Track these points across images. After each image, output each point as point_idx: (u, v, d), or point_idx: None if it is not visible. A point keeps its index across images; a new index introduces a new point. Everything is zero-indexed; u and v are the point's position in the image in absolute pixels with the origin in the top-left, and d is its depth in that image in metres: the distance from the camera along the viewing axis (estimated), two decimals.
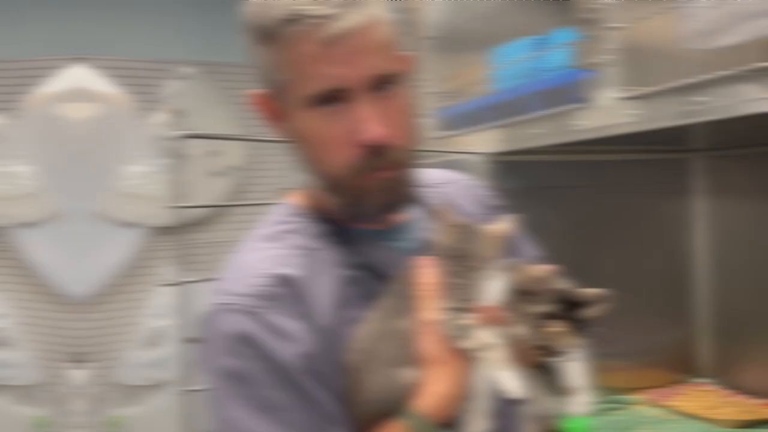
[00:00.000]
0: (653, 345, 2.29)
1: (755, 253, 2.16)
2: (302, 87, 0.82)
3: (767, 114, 1.12)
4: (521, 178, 2.06)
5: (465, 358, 0.81)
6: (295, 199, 0.99)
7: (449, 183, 1.10)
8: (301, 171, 0.92)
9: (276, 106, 0.89)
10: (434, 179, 1.07)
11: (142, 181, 2.71)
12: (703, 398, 2.13)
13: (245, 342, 0.80)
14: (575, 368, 0.88)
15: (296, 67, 0.81)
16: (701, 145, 2.31)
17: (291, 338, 0.81)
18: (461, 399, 0.81)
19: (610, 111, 1.46)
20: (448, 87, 2.19)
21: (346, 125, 0.81)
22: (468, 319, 0.81)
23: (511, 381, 0.80)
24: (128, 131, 2.72)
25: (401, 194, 0.89)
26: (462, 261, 0.84)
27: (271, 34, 0.81)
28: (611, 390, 2.20)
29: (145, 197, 2.71)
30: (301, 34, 0.78)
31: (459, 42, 2.08)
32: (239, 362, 0.80)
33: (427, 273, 0.84)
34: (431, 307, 0.82)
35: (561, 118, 1.61)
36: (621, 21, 1.42)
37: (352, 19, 0.78)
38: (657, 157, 2.33)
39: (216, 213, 2.81)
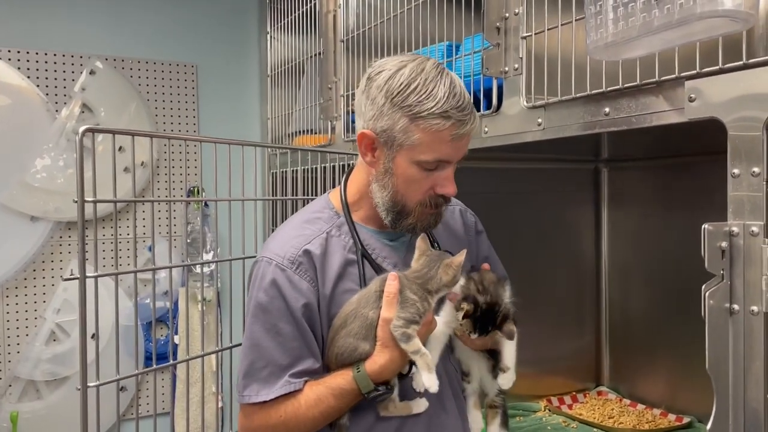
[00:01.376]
0: (556, 353, 2.33)
1: (652, 263, 2.24)
2: (421, 152, 1.20)
3: (670, 126, 1.13)
4: None
5: (402, 351, 1.20)
6: (331, 196, 1.38)
7: (449, 207, 1.41)
8: (378, 190, 1.27)
9: (378, 147, 1.24)
10: None
11: (49, 174, 2.62)
12: (604, 407, 2.17)
13: (274, 286, 1.23)
14: (507, 354, 1.31)
15: (427, 141, 1.19)
16: (606, 156, 2.37)
17: (300, 292, 1.23)
18: (393, 373, 1.22)
19: (517, 119, 1.45)
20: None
21: (434, 180, 1.24)
22: (412, 329, 1.18)
23: (428, 379, 1.18)
24: (37, 124, 2.63)
25: (434, 224, 1.31)
26: (423, 284, 1.21)
27: (419, 117, 1.18)
28: (513, 396, 2.22)
29: (51, 191, 2.63)
30: (446, 128, 1.18)
31: (372, 46, 2.04)
32: (267, 298, 1.23)
33: (392, 285, 1.20)
34: (390, 311, 1.19)
35: None
36: (530, 31, 1.42)
37: (471, 125, 1.21)
38: (566, 167, 2.38)
39: (122, 209, 2.79)
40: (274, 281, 1.23)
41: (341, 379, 1.22)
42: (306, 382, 1.23)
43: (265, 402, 1.22)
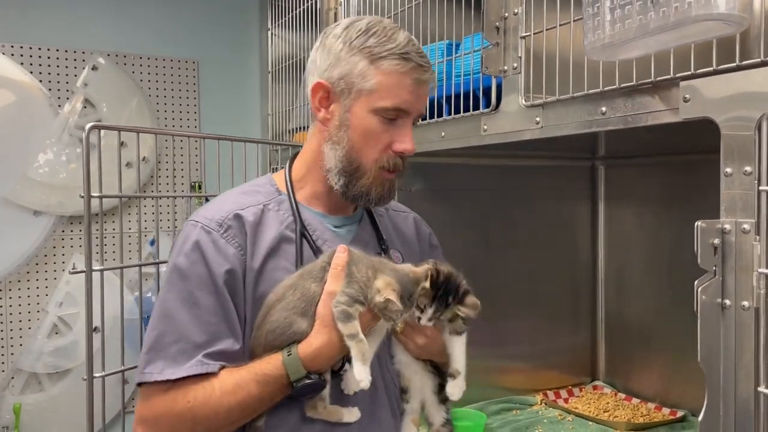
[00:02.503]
0: (553, 348, 2.36)
1: (647, 260, 2.27)
2: (381, 98, 1.14)
3: (665, 125, 1.15)
4: (429, 180, 2.07)
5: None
6: (274, 176, 1.28)
7: (400, 212, 1.43)
8: (330, 149, 1.19)
9: (333, 100, 1.17)
10: (388, 205, 1.36)
11: (51, 169, 2.64)
12: (599, 401, 2.20)
13: (196, 249, 1.10)
14: (458, 356, 1.16)
15: (386, 85, 1.13)
16: (603, 153, 2.40)
17: (225, 257, 1.10)
18: (329, 361, 1.07)
19: (516, 117, 1.47)
20: None
21: (392, 135, 1.17)
22: (354, 309, 1.04)
23: (360, 372, 1.02)
24: (40, 119, 2.66)
25: (389, 196, 1.21)
26: (374, 265, 1.09)
27: (379, 57, 1.13)
28: (510, 390, 2.25)
29: (54, 186, 2.65)
30: (405, 70, 1.14)
31: None
32: (187, 262, 1.10)
33: (341, 257, 1.09)
34: (335, 284, 1.06)
35: (469, 122, 1.62)
36: (529, 31, 1.44)
37: (431, 74, 1.19)
38: (563, 164, 2.40)
39: (125, 203, 2.81)
40: (197, 243, 1.10)
41: (267, 364, 1.06)
42: (222, 366, 1.07)
43: (169, 383, 1.05)
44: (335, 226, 1.25)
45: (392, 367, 1.25)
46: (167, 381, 1.05)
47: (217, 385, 1.05)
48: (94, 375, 1.42)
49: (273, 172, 2.83)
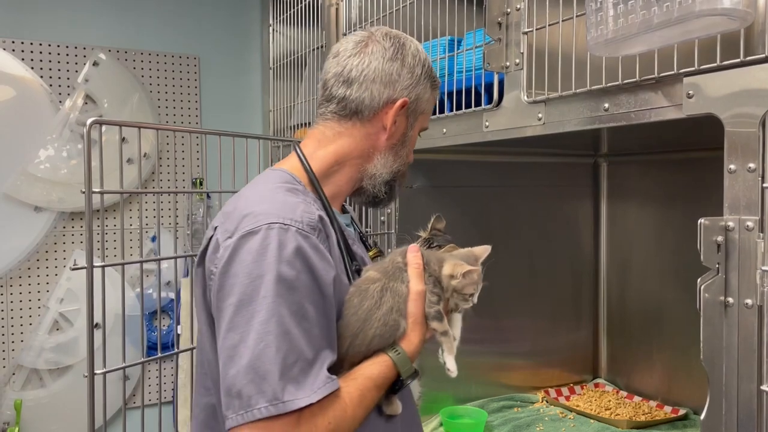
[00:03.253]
0: (555, 345, 2.35)
1: (650, 257, 2.26)
2: (425, 120, 1.27)
3: (669, 122, 1.15)
4: (431, 177, 2.06)
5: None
6: (290, 169, 1.19)
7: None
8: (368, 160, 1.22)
9: (401, 116, 1.21)
10: None
11: (52, 165, 2.64)
12: (601, 399, 2.20)
13: (299, 256, 0.99)
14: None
15: (429, 109, 1.27)
16: (606, 150, 2.39)
17: (328, 263, 1.04)
18: (419, 352, 1.10)
19: (518, 113, 1.47)
20: None
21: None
22: (441, 307, 1.11)
23: (452, 364, 1.10)
24: (41, 115, 2.65)
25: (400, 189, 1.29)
26: (439, 258, 1.14)
27: (435, 86, 1.25)
28: (511, 388, 2.25)
29: (55, 181, 2.65)
30: (437, 95, 1.28)
31: None
32: (293, 272, 0.98)
33: (416, 256, 1.12)
34: (421, 283, 1.10)
35: (471, 118, 1.61)
36: (531, 26, 1.43)
37: None
38: (566, 161, 2.40)
39: (126, 199, 2.81)
40: (299, 250, 0.99)
41: (379, 367, 1.05)
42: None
43: (304, 408, 0.93)
44: (346, 224, 1.25)
45: None
46: (311, 405, 0.95)
47: (347, 399, 1.00)
48: (95, 372, 1.41)
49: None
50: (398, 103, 1.18)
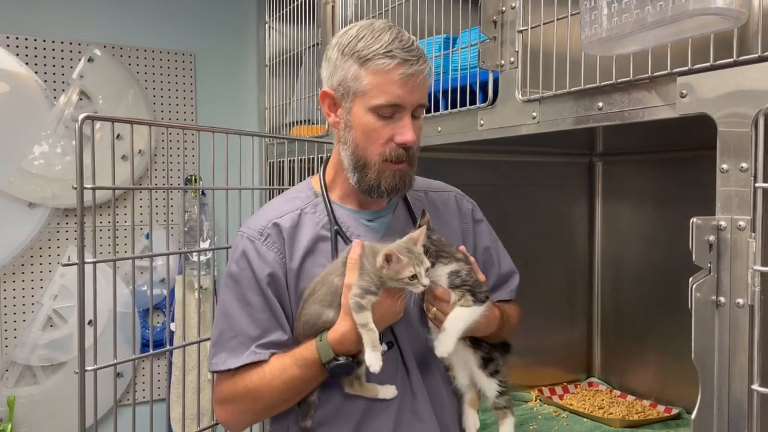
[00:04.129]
0: (549, 344, 2.35)
1: (644, 257, 2.26)
2: (373, 97, 1.23)
3: (662, 121, 1.15)
4: (425, 175, 2.05)
5: None
6: (312, 180, 1.42)
7: (441, 191, 1.49)
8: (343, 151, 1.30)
9: (338, 105, 1.28)
10: (428, 185, 1.49)
11: (47, 161, 2.62)
12: (594, 398, 2.20)
13: (244, 256, 1.28)
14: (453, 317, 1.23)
15: (376, 84, 1.22)
16: (601, 150, 2.39)
17: (266, 262, 1.27)
18: (355, 344, 1.19)
19: (513, 112, 1.47)
20: None
21: (391, 131, 1.25)
22: (366, 300, 1.16)
23: (370, 357, 1.15)
24: (35, 111, 2.63)
25: (401, 186, 1.29)
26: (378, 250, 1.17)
27: (366, 59, 1.22)
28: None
29: (49, 178, 2.62)
30: (390, 67, 1.21)
31: None
32: (237, 269, 1.28)
33: (354, 250, 1.20)
34: (351, 277, 1.19)
35: (466, 117, 1.61)
36: (526, 25, 1.43)
37: (420, 66, 1.23)
38: (561, 160, 2.40)
39: (119, 196, 2.79)
40: (243, 252, 1.28)
41: (305, 349, 1.23)
42: (273, 354, 1.26)
43: (231, 370, 1.26)
44: (368, 220, 1.36)
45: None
46: (229, 369, 1.26)
47: (267, 371, 1.24)
48: (86, 368, 1.41)
49: (269, 166, 2.84)
50: (320, 94, 1.30)
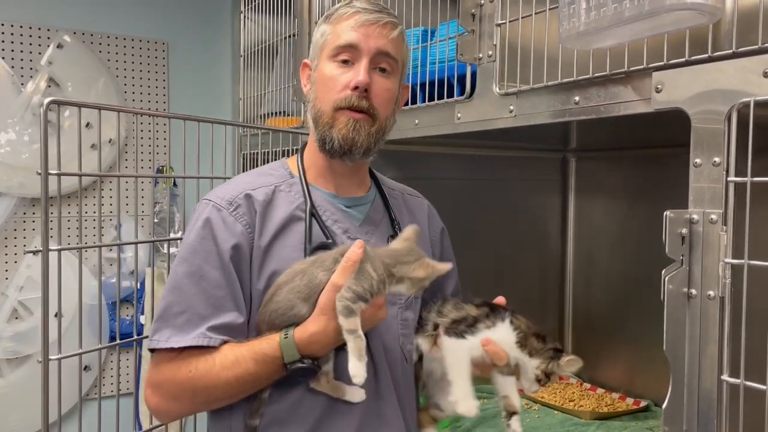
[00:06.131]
0: None
1: (615, 252, 2.29)
2: (332, 42, 1.22)
3: (637, 116, 1.16)
4: (401, 168, 2.05)
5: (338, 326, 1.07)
6: (287, 160, 1.35)
7: (414, 196, 1.48)
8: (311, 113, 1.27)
9: (311, 67, 1.28)
10: (403, 189, 1.47)
11: (13, 149, 2.55)
12: (565, 391, 2.22)
13: (207, 225, 1.17)
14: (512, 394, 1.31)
15: (335, 31, 1.23)
16: (575, 146, 2.41)
17: (233, 233, 1.16)
18: (323, 348, 1.10)
19: (490, 105, 1.47)
20: None
21: (348, 77, 1.20)
22: (357, 306, 1.06)
23: (354, 367, 1.04)
24: (1, 98, 2.55)
25: (356, 136, 1.21)
26: (391, 265, 1.10)
27: (332, 16, 1.25)
28: (477, 379, 2.25)
29: (16, 166, 2.56)
30: (348, 14, 1.22)
31: None
32: (197, 238, 1.16)
33: (355, 252, 1.09)
34: (342, 278, 1.08)
35: (443, 109, 1.61)
36: (504, 18, 1.43)
37: (382, 17, 1.23)
38: (535, 155, 2.41)
39: (87, 186, 2.73)
40: (207, 220, 1.17)
41: (266, 344, 1.10)
42: (225, 341, 1.13)
43: (174, 351, 1.12)
44: (346, 206, 1.29)
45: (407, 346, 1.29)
46: (173, 349, 1.12)
47: (218, 360, 1.11)
48: (50, 357, 1.37)
49: (243, 158, 2.81)
50: (300, 69, 1.33)
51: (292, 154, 2.15)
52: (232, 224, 1.17)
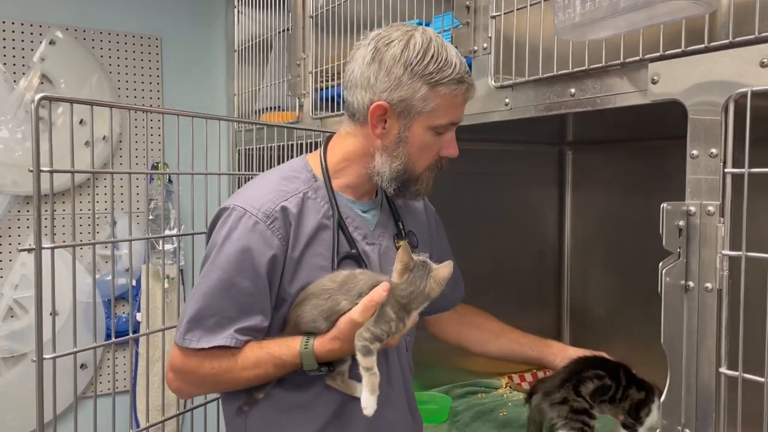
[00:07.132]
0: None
1: (612, 244, 2.29)
2: (437, 117, 1.25)
3: (633, 108, 1.15)
4: None
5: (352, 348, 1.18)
6: (309, 159, 1.37)
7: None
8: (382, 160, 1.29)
9: (390, 118, 1.26)
10: None
11: (6, 147, 2.53)
12: None
13: (245, 238, 1.21)
14: None
15: (443, 106, 1.25)
16: (571, 139, 2.41)
17: (269, 246, 1.22)
18: (340, 356, 1.22)
19: (485, 98, 1.46)
20: (328, 68, 2.13)
21: (440, 143, 1.30)
22: (375, 346, 1.15)
23: (367, 400, 1.14)
24: None
25: (429, 188, 1.34)
26: (406, 305, 1.17)
27: (439, 83, 1.22)
28: (475, 374, 2.26)
29: (9, 164, 2.53)
30: (459, 90, 1.25)
31: (340, 24, 2.02)
32: (233, 251, 1.21)
33: (380, 294, 1.15)
34: (362, 316, 1.15)
35: None
36: (499, 11, 1.42)
37: (474, 88, 1.30)
38: (531, 149, 2.40)
39: (81, 183, 2.70)
40: (245, 234, 1.22)
41: (286, 350, 1.21)
42: (248, 341, 1.23)
43: (202, 349, 1.22)
44: (363, 211, 1.36)
45: (409, 355, 1.41)
46: (203, 349, 1.22)
47: (239, 359, 1.22)
48: (45, 356, 1.36)
49: (238, 154, 2.79)
50: (373, 106, 1.24)
51: (287, 149, 2.15)
52: (269, 238, 1.23)
